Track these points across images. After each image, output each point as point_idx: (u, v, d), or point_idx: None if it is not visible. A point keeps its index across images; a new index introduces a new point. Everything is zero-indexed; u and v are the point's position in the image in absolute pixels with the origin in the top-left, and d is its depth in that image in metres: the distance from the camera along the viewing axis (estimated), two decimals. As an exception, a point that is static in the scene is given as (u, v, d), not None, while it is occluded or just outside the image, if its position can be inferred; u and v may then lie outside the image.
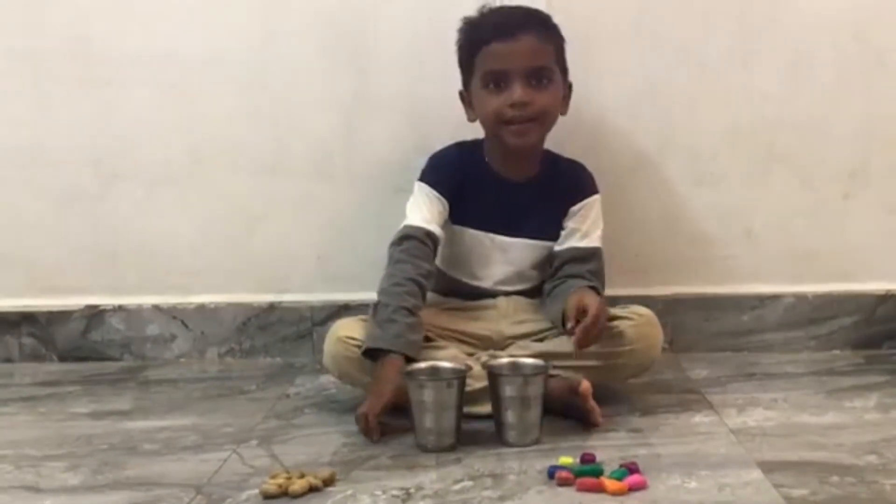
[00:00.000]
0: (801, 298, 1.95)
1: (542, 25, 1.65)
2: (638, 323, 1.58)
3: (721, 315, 1.95)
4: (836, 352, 1.94)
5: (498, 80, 1.61)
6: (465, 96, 1.70)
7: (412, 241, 1.62)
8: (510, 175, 1.70)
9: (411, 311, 1.54)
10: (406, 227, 1.64)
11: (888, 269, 1.95)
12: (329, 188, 1.95)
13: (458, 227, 1.70)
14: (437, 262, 1.74)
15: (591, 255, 1.68)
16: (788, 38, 1.89)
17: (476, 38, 1.64)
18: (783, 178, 1.94)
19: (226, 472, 1.35)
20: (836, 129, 1.92)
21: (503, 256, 1.71)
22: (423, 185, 1.69)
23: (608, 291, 1.79)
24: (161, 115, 1.95)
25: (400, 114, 1.91)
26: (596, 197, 1.72)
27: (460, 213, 1.69)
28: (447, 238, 1.70)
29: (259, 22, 1.91)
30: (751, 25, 1.88)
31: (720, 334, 1.95)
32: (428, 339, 1.60)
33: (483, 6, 1.68)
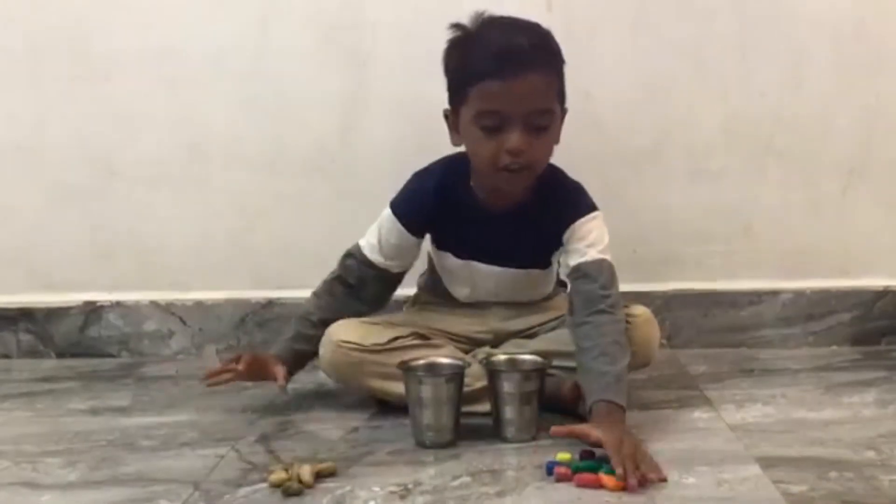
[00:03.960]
0: (799, 294, 1.95)
1: (548, 57, 1.47)
2: (635, 325, 1.53)
3: (719, 311, 1.95)
4: (835, 347, 1.94)
5: (494, 122, 1.43)
6: (452, 119, 1.52)
7: (353, 261, 1.64)
8: (496, 204, 1.56)
9: (314, 323, 1.60)
10: (356, 246, 1.64)
11: (886, 265, 1.96)
12: (327, 185, 1.96)
13: (440, 252, 1.66)
14: (435, 270, 1.71)
15: (597, 269, 1.49)
16: (787, 34, 1.89)
17: (472, 67, 1.45)
18: (781, 174, 1.94)
19: (224, 469, 1.35)
20: (834, 125, 1.92)
21: (489, 282, 1.64)
22: (391, 216, 1.59)
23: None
24: (159, 111, 1.95)
25: (398, 111, 1.91)
26: (591, 216, 1.54)
27: (441, 238, 1.64)
28: (437, 258, 1.67)
29: (258, 18, 1.91)
30: (750, 21, 1.89)
31: (718, 330, 1.95)
32: (424, 336, 1.60)
33: (479, 14, 1.48)
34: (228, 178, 1.97)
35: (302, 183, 1.96)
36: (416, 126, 1.86)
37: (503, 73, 1.41)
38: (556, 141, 1.52)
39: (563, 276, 1.55)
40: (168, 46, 1.92)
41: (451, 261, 1.65)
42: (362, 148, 1.94)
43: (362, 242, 1.63)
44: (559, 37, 1.80)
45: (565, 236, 1.53)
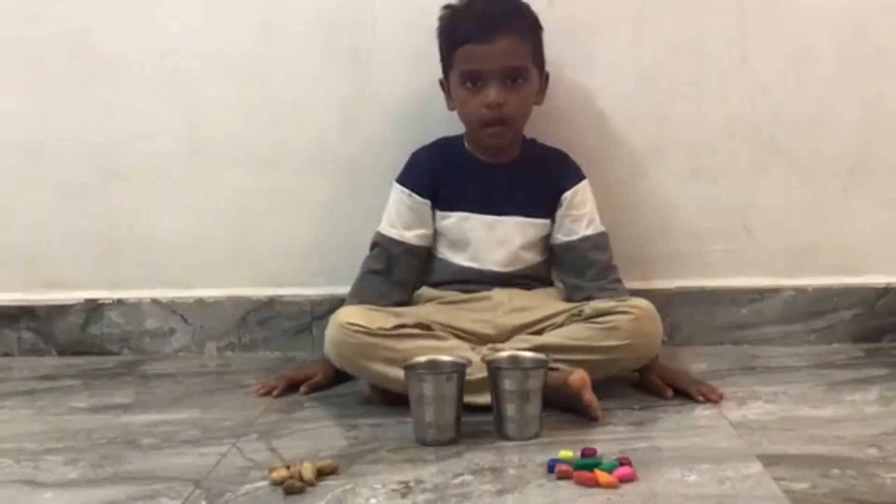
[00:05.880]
0: (800, 292, 1.95)
1: (520, 23, 1.67)
2: (637, 316, 1.56)
3: (720, 308, 1.95)
4: (836, 345, 1.94)
5: (475, 80, 1.65)
6: (445, 85, 1.74)
7: (378, 248, 1.74)
8: (491, 159, 1.74)
9: None
10: (376, 233, 1.75)
11: (888, 263, 1.95)
12: (328, 182, 1.95)
13: (445, 213, 1.74)
14: (432, 247, 1.77)
15: (605, 242, 1.73)
16: (789, 33, 1.88)
17: (455, 35, 1.67)
18: (783, 173, 1.93)
19: (225, 466, 1.35)
20: (835, 124, 1.91)
21: (492, 235, 1.72)
22: (397, 185, 1.75)
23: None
24: (160, 109, 1.94)
25: (398, 108, 1.90)
26: (586, 181, 1.75)
27: (445, 199, 1.74)
28: (438, 223, 1.74)
29: (257, 16, 1.91)
30: (751, 20, 1.88)
31: (720, 328, 1.95)
32: (428, 328, 1.60)
33: None
34: (229, 175, 1.96)
35: (302, 181, 1.95)
36: (416, 125, 1.86)
37: (480, 36, 1.63)
38: (539, 101, 1.72)
39: (562, 239, 1.73)
40: (168, 45, 1.92)
41: (456, 219, 1.73)
42: (362, 145, 1.94)
43: (381, 227, 1.75)
44: (559, 35, 1.82)
45: (564, 197, 1.73)
